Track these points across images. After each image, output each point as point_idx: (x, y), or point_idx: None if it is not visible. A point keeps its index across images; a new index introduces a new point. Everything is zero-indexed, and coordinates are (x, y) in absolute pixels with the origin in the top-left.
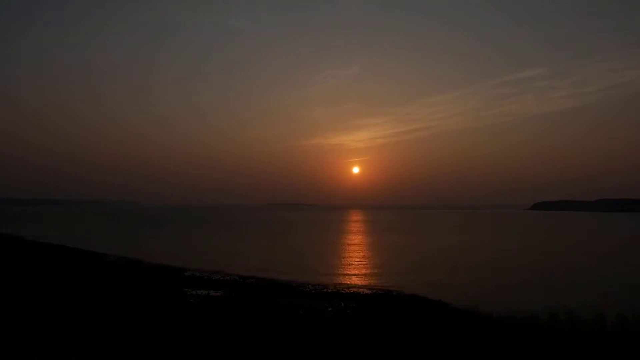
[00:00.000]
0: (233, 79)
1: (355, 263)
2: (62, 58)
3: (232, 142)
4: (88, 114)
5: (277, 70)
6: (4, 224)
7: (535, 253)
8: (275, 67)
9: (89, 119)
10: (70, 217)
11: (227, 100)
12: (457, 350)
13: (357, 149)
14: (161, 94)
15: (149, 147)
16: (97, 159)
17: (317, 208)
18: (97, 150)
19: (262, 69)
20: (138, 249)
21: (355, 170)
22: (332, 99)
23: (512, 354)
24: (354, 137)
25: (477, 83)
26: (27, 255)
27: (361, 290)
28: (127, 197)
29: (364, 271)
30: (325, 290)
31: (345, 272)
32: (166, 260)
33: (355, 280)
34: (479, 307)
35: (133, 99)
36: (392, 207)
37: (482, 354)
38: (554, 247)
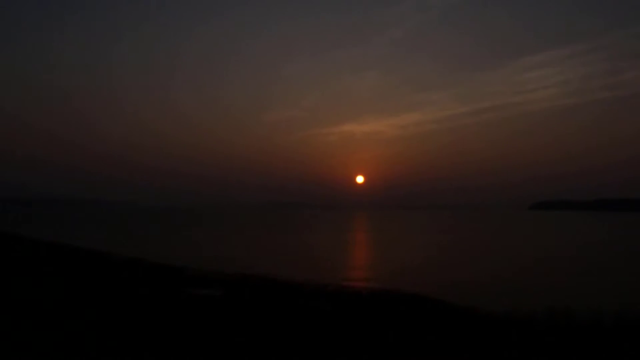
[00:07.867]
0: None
1: (357, 262)
2: (70, 56)
3: (248, 129)
4: (92, 113)
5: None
6: (4, 223)
7: (534, 252)
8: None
9: (94, 119)
10: (71, 217)
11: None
12: (457, 349)
13: (398, 137)
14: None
15: (154, 145)
16: (98, 158)
17: (320, 209)
18: (99, 149)
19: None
20: (138, 249)
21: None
22: (396, 55)
23: (512, 351)
24: (400, 120)
25: (598, 35)
26: (26, 253)
27: (362, 289)
28: (125, 197)
29: (365, 270)
30: (325, 289)
31: (346, 272)
32: (166, 260)
33: (356, 280)
34: (478, 305)
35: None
36: (392, 207)
37: (481, 353)
38: (553, 246)
